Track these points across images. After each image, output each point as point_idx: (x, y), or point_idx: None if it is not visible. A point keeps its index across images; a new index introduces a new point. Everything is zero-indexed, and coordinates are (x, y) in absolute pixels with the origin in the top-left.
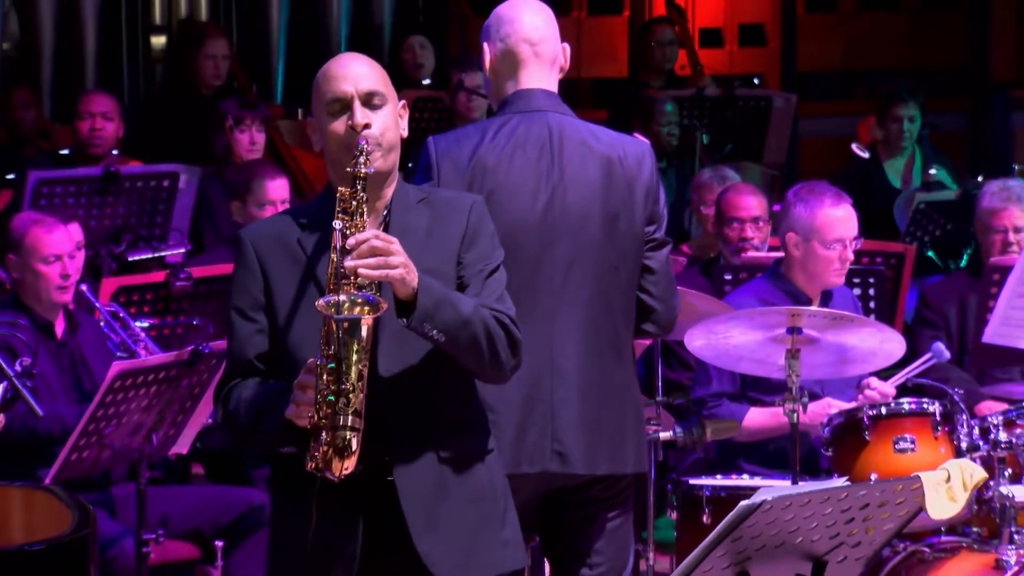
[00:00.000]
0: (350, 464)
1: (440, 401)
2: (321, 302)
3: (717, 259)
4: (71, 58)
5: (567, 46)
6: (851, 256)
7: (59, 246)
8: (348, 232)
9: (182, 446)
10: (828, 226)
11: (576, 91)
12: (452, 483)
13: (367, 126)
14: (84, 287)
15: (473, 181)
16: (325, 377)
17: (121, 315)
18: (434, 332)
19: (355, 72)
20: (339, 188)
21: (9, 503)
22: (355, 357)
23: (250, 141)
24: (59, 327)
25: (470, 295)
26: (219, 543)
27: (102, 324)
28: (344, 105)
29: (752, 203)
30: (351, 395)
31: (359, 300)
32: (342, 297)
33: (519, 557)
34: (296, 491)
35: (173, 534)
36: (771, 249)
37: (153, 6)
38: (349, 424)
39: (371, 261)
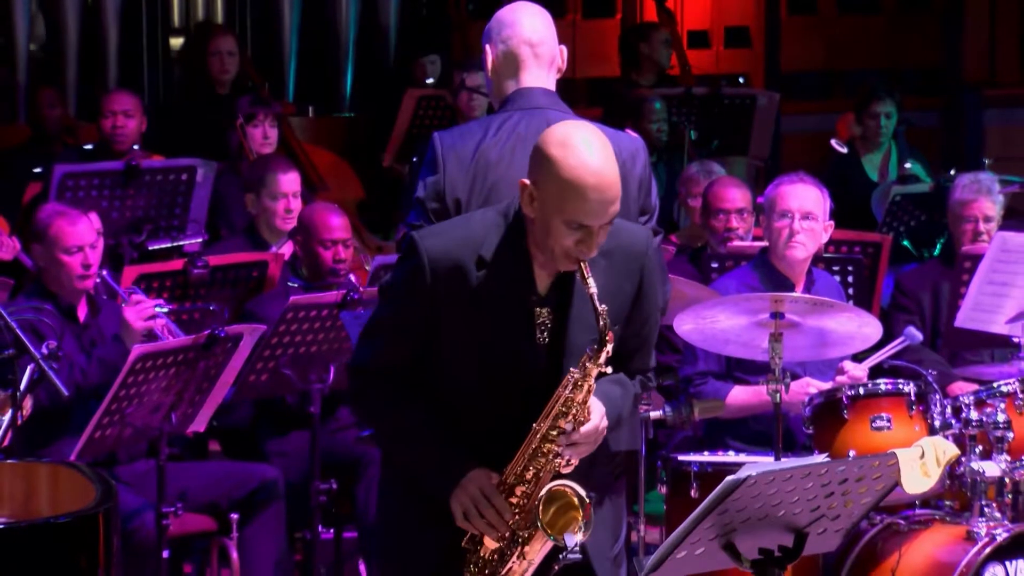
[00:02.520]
0: None
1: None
2: (546, 491)
3: (704, 248)
4: (94, 58)
5: (564, 48)
6: (800, 229)
7: (81, 237)
8: (569, 405)
9: (199, 424)
10: (780, 198)
11: (571, 90)
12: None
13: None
14: (105, 273)
15: (476, 174)
16: (518, 549)
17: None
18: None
19: (607, 199)
20: (572, 372)
21: (36, 478)
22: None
23: (263, 136)
24: (81, 311)
25: (634, 347)
26: (234, 516)
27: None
28: (583, 227)
29: (737, 195)
30: (530, 567)
31: (586, 517)
32: (570, 484)
33: None
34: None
35: (191, 507)
36: (756, 239)
37: (172, 9)
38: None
39: (583, 452)
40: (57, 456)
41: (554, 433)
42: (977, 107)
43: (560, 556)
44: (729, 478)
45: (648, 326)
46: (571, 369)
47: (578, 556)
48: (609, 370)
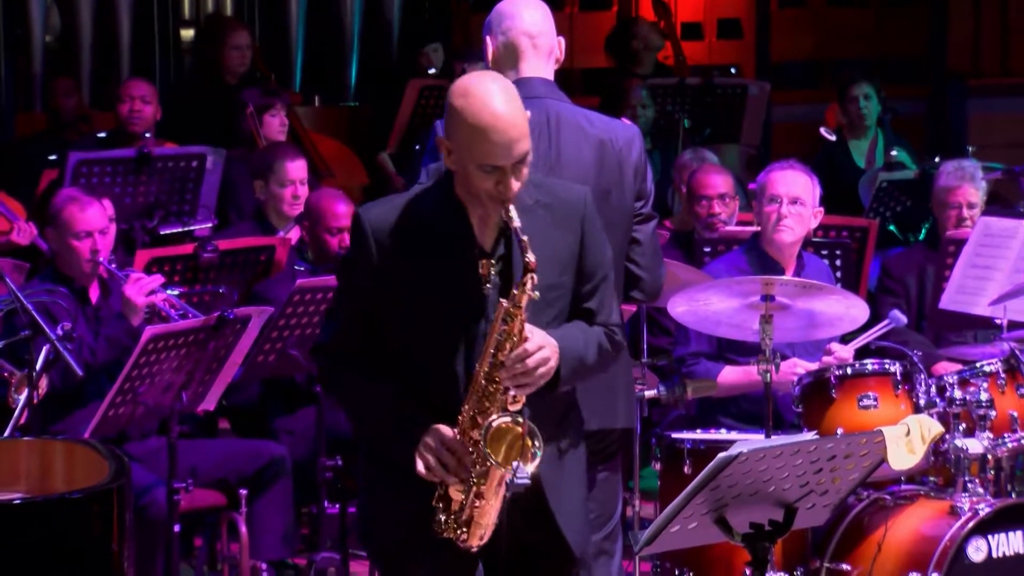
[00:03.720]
0: (487, 536)
1: (553, 403)
2: (487, 429)
3: (692, 233)
4: (108, 49)
5: (562, 39)
6: (787, 214)
7: (91, 223)
8: (505, 337)
9: (209, 403)
10: (770, 183)
11: (569, 80)
12: (569, 464)
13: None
14: (110, 260)
15: None
16: (475, 488)
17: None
18: (568, 388)
19: (512, 139)
20: (502, 303)
21: (51, 455)
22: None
23: (280, 124)
24: (94, 294)
25: (594, 307)
26: (243, 491)
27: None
28: (497, 169)
29: (718, 181)
30: (492, 504)
31: (534, 439)
32: (506, 418)
33: None
34: (406, 476)
35: (201, 483)
36: (743, 223)
37: (183, 1)
38: (490, 522)
39: (530, 379)
40: (71, 433)
41: (496, 369)
42: (961, 96)
43: (508, 482)
44: (721, 455)
45: (599, 278)
46: (501, 300)
47: (527, 482)
48: (538, 295)
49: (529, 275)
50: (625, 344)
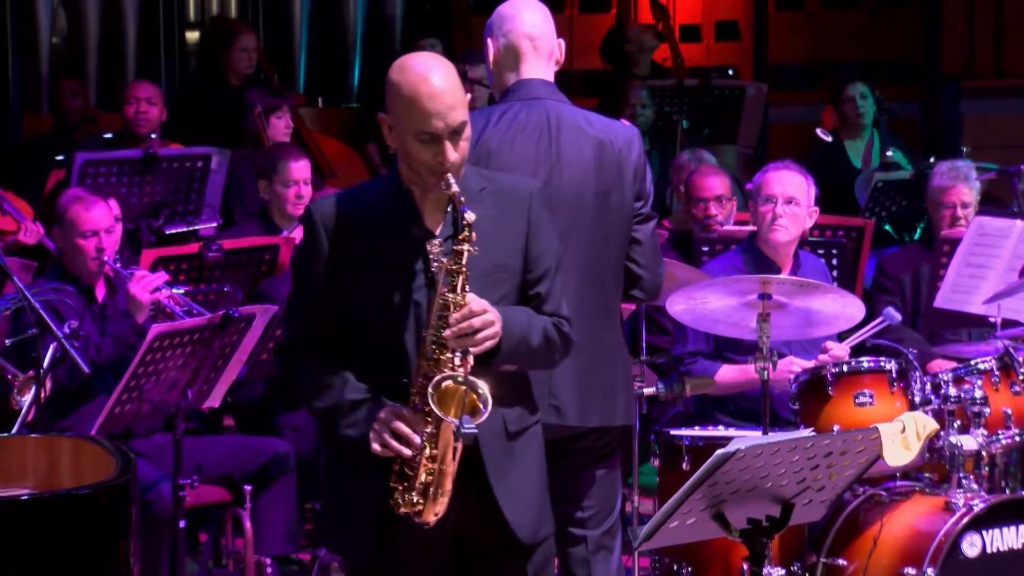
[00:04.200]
0: (442, 510)
1: (504, 381)
2: (433, 387)
3: (690, 233)
4: (114, 51)
5: (562, 41)
6: (782, 214)
7: (96, 222)
8: (448, 302)
9: (214, 400)
10: (765, 183)
11: (568, 81)
12: (518, 451)
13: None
14: (115, 259)
15: (479, 161)
16: (428, 451)
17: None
18: (510, 366)
19: (446, 105)
20: (443, 261)
21: (59, 452)
22: (455, 452)
23: (286, 126)
24: (100, 291)
25: (542, 292)
26: (248, 487)
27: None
28: (434, 138)
29: (715, 183)
30: (450, 476)
31: (477, 390)
32: (451, 375)
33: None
34: (365, 466)
35: (206, 479)
36: (741, 223)
37: (188, 3)
38: (445, 491)
39: (475, 339)
40: (78, 430)
41: (441, 333)
42: (955, 97)
43: (455, 432)
44: (719, 451)
45: (547, 266)
46: (441, 259)
47: (474, 430)
48: (476, 250)
49: (466, 228)
50: (573, 342)
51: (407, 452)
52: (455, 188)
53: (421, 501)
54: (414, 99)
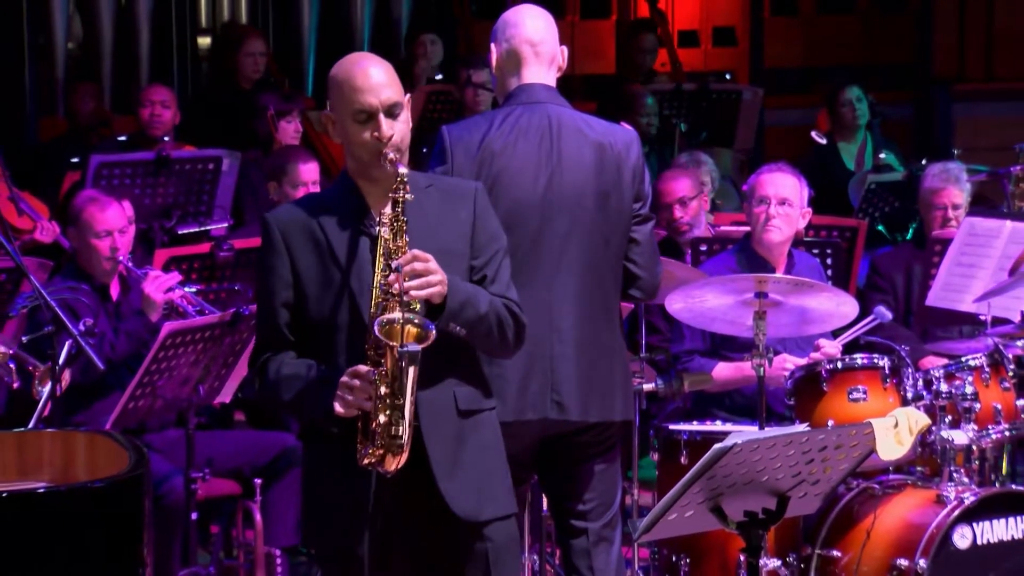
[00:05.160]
0: (402, 460)
1: (456, 358)
2: (378, 326)
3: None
4: (128, 56)
5: (565, 48)
6: (775, 215)
7: (110, 223)
8: (392, 251)
9: (225, 396)
10: (759, 185)
11: (569, 86)
12: (468, 432)
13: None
14: (128, 259)
15: (482, 164)
16: (382, 390)
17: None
18: (457, 328)
19: (378, 83)
20: (382, 213)
21: (75, 446)
22: (410, 379)
23: (295, 129)
24: (114, 290)
25: (489, 275)
26: (258, 480)
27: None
28: (369, 116)
29: (675, 187)
30: (405, 409)
31: (414, 321)
32: (396, 315)
33: (514, 503)
34: (327, 444)
35: (217, 473)
36: (739, 224)
37: (199, 10)
38: (403, 434)
39: (418, 282)
40: (93, 425)
41: (385, 284)
42: (946, 101)
43: (399, 352)
44: (716, 446)
45: (494, 250)
46: (383, 211)
47: (416, 348)
48: (412, 197)
49: (400, 179)
50: (525, 325)
51: (367, 403)
52: (391, 156)
53: (383, 445)
54: (347, 80)
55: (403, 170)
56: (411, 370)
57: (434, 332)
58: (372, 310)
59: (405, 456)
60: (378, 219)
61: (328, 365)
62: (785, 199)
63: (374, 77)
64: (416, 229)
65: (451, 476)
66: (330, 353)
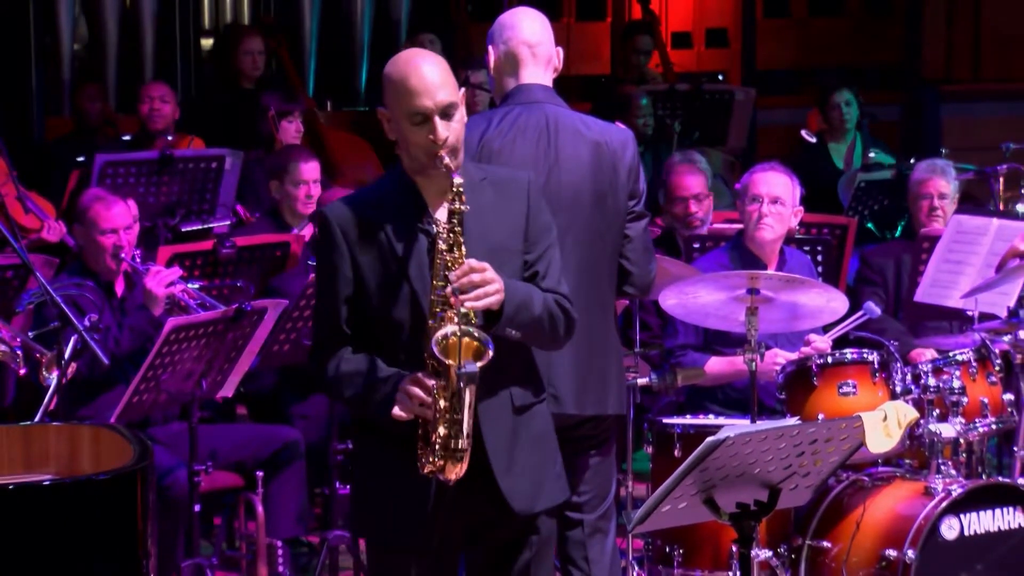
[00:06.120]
0: (463, 469)
1: (512, 358)
2: (436, 344)
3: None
4: (132, 57)
5: (560, 49)
6: (768, 213)
7: (116, 221)
8: (448, 263)
9: (228, 390)
10: (752, 183)
11: (565, 86)
12: (522, 427)
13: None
14: (136, 254)
15: (482, 161)
16: (442, 404)
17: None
18: (513, 332)
19: (433, 84)
20: (438, 221)
21: (79, 439)
22: (468, 397)
23: (297, 129)
24: (119, 286)
25: (540, 270)
26: (260, 473)
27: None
28: (425, 118)
29: (692, 182)
30: (464, 424)
31: (472, 334)
32: (452, 328)
33: (565, 487)
34: (388, 438)
35: (220, 465)
36: (731, 222)
37: (202, 12)
38: (463, 446)
39: (475, 294)
40: (98, 419)
41: (442, 292)
42: (935, 102)
43: (458, 373)
44: (709, 439)
45: (546, 245)
46: (437, 218)
47: (475, 369)
48: (467, 208)
49: (456, 190)
50: (575, 320)
51: (427, 412)
52: (447, 161)
53: (443, 456)
54: (402, 81)
55: (459, 180)
56: (470, 388)
57: (492, 350)
58: (430, 322)
59: (465, 466)
60: (435, 221)
61: (388, 360)
62: (777, 198)
63: (429, 78)
64: (470, 227)
65: (509, 472)
66: (391, 350)
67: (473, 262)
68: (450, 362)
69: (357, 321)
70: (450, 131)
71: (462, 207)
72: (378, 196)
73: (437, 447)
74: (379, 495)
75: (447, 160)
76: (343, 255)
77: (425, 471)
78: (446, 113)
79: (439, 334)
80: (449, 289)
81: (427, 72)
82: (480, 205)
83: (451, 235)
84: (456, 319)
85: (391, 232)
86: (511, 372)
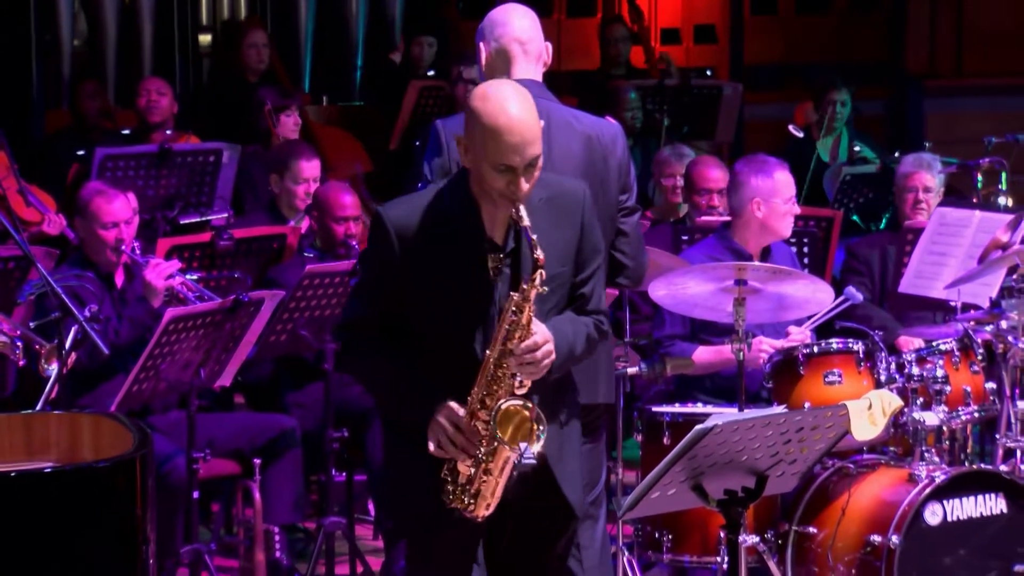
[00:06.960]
0: (491, 509)
1: (558, 392)
2: (498, 412)
3: (678, 222)
4: (131, 53)
5: (550, 45)
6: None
7: (116, 214)
8: (518, 330)
9: (226, 379)
10: (786, 186)
11: (556, 81)
12: (567, 436)
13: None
14: (135, 246)
15: None
16: (485, 465)
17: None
18: (557, 374)
19: (523, 141)
20: (513, 296)
21: (80, 427)
22: (508, 468)
23: (295, 123)
24: (119, 278)
25: (586, 292)
26: (257, 460)
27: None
28: (509, 169)
29: (719, 176)
30: (497, 489)
31: (532, 415)
32: (515, 402)
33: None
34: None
35: (218, 453)
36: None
37: (200, 9)
38: (496, 496)
39: (532, 370)
40: (98, 407)
41: (505, 356)
42: (919, 96)
43: (516, 463)
44: (698, 427)
45: (594, 266)
46: (512, 294)
47: (532, 462)
48: (547, 290)
49: (538, 271)
50: (610, 330)
51: (466, 462)
52: (527, 222)
53: (472, 502)
54: (494, 132)
55: (540, 254)
56: (513, 471)
57: (543, 439)
58: (482, 374)
59: (493, 507)
60: (494, 261)
61: (420, 364)
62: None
63: (522, 133)
64: (526, 255)
65: (568, 483)
66: (423, 356)
67: (539, 337)
68: (512, 451)
69: (393, 323)
70: (530, 181)
71: (540, 288)
72: (440, 207)
73: (468, 493)
74: (408, 480)
75: (525, 220)
76: (394, 257)
77: (451, 506)
78: (531, 165)
79: (503, 402)
80: (514, 362)
81: (520, 126)
82: (538, 230)
83: (525, 307)
84: (515, 392)
85: (448, 250)
86: (558, 403)
